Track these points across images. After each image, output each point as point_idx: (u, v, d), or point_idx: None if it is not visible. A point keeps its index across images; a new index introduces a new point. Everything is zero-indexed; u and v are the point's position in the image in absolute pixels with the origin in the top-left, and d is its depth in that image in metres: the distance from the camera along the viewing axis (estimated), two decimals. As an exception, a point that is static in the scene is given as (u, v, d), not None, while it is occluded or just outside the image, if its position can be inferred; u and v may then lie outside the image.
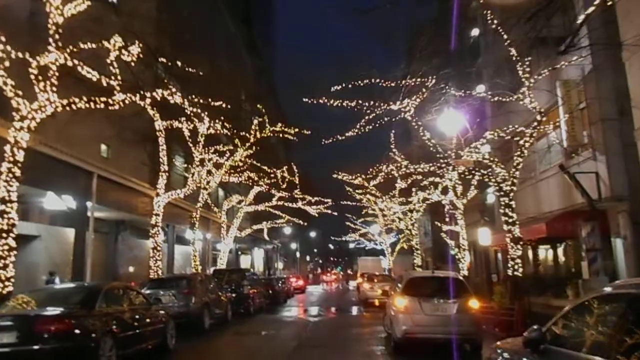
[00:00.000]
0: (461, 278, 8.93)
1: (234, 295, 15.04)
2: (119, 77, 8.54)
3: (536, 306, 11.71)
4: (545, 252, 16.02)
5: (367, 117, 10.67)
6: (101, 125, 14.57)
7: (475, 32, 18.96)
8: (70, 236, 11.32)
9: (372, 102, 9.82)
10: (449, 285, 8.06)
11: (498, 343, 4.20)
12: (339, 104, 9.90)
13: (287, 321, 14.67)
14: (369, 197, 22.46)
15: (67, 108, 7.94)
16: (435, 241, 28.35)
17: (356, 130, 10.81)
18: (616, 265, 11.29)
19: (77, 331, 5.66)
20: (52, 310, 5.85)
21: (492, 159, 10.99)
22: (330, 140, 11.13)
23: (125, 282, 9.67)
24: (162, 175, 13.46)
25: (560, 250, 15.30)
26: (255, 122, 15.87)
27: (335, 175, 18.87)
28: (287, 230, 41.54)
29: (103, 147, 15.66)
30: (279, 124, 16.14)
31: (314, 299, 26.28)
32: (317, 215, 23.81)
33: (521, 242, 10.72)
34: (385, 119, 10.75)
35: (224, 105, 10.67)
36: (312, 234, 62.83)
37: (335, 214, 24.49)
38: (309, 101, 10.33)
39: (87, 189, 10.80)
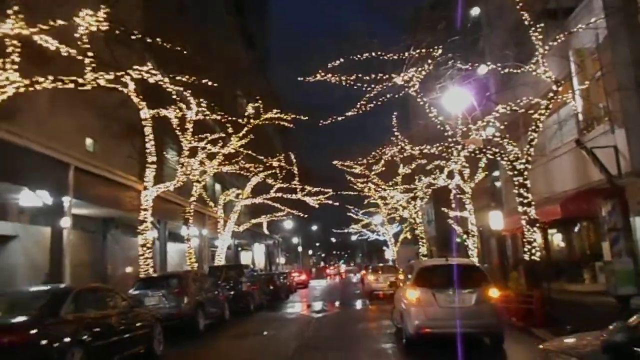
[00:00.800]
0: (478, 265, 8.12)
1: (232, 293, 14.29)
2: (89, 54, 7.62)
3: (551, 292, 10.98)
4: (557, 235, 15.28)
5: (368, 95, 9.78)
6: (85, 117, 13.68)
7: (475, 11, 18.07)
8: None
9: (373, 76, 8.91)
10: (465, 273, 7.25)
11: (544, 345, 3.36)
12: (337, 81, 9.00)
13: (288, 318, 13.91)
14: (370, 185, 21.62)
15: (31, 89, 7.04)
16: (439, 229, 27.59)
17: (356, 110, 9.92)
18: (636, 245, 10.51)
19: (37, 342, 4.84)
20: (7, 319, 5.02)
21: (503, 136, 10.14)
22: (329, 121, 10.25)
23: (98, 283, 8.81)
24: (149, 167, 12.59)
25: (573, 232, 14.55)
26: (250, 108, 14.96)
27: (335, 162, 17.97)
28: (288, 224, 40.79)
29: (88, 141, 14.77)
30: (275, 110, 15.22)
31: (317, 294, 25.60)
32: (317, 206, 22.93)
33: (537, 224, 9.90)
34: (388, 95, 9.86)
35: (209, 83, 9.71)
36: (314, 228, 62.23)
37: (337, 204, 23.59)
38: (306, 79, 9.41)
39: (63, 182, 9.90)
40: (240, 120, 14.35)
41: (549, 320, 8.80)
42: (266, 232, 33.08)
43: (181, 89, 10.32)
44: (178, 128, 13.31)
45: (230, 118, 13.76)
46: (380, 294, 18.22)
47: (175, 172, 15.37)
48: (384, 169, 18.55)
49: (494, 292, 7.23)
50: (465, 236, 15.25)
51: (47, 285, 8.38)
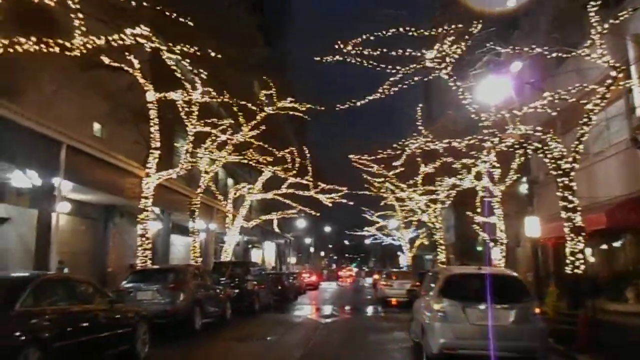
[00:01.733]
0: (517, 276, 6.90)
1: (236, 291, 13.38)
2: (80, 15, 6.81)
3: (596, 312, 9.62)
4: (597, 248, 13.81)
5: (392, 78, 8.67)
6: (93, 102, 13.09)
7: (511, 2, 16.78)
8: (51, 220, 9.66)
9: (400, 52, 7.81)
10: (501, 285, 6.08)
11: None
12: (359, 61, 7.93)
13: (294, 322, 12.89)
14: (388, 185, 20.38)
15: (10, 50, 6.24)
16: (459, 235, 26.05)
17: (379, 94, 8.83)
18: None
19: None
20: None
21: (546, 131, 8.86)
22: (347, 105, 9.21)
23: (71, 274, 7.91)
24: (152, 153, 11.80)
25: (613, 245, 13.08)
26: (262, 96, 14.04)
27: (351, 156, 16.82)
28: (301, 223, 39.82)
29: (96, 126, 14.18)
30: (289, 99, 14.23)
31: (327, 296, 24.53)
32: (330, 205, 21.82)
33: (583, 233, 8.59)
34: (415, 79, 8.73)
35: (213, 54, 8.78)
36: (327, 229, 61.09)
37: (351, 203, 22.37)
38: (324, 59, 8.39)
39: (54, 162, 9.12)
40: (252, 107, 13.40)
41: (595, 345, 7.52)
42: (277, 230, 32.18)
43: (180, 58, 9.40)
44: (184, 111, 12.49)
45: (240, 102, 12.84)
46: (394, 301, 17.18)
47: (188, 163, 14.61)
48: (402, 169, 17.33)
49: (536, 310, 6.03)
50: (492, 244, 13.90)
51: (26, 272, 7.60)
